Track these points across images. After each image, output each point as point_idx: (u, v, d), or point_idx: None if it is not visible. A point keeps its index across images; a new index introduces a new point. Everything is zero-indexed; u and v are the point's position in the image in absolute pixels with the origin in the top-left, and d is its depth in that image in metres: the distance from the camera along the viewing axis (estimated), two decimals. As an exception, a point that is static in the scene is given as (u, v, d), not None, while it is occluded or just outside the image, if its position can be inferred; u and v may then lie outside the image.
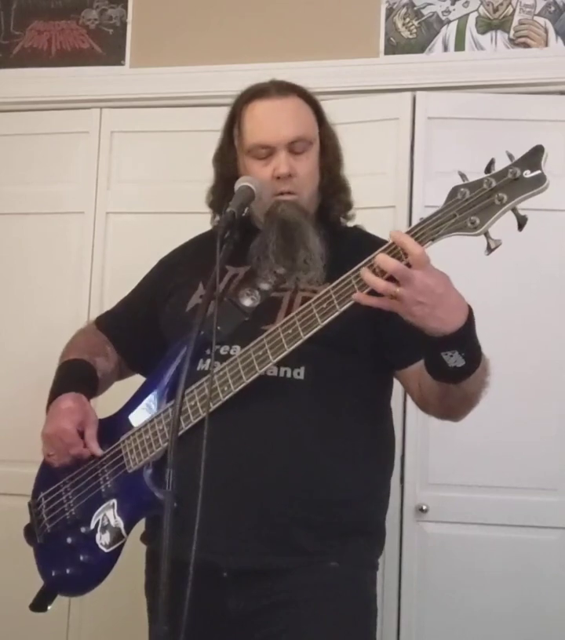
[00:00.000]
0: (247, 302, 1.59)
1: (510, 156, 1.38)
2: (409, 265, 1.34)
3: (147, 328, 1.74)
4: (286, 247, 1.60)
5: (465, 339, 1.40)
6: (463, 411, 1.61)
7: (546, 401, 2.56)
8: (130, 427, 1.61)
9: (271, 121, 1.64)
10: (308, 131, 1.67)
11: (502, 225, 1.39)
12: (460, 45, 2.75)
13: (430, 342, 1.41)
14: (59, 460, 1.62)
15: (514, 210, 1.37)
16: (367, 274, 1.35)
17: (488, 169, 1.39)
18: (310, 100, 1.71)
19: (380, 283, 1.34)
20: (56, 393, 1.67)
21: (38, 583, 1.70)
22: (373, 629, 1.60)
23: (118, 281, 2.82)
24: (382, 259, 1.34)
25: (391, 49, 2.79)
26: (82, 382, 1.69)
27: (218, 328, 1.45)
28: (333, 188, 1.70)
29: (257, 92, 1.68)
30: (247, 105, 1.68)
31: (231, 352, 1.53)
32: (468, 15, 2.76)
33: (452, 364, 1.42)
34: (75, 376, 1.71)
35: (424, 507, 2.57)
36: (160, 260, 1.86)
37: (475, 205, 1.38)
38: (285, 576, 1.51)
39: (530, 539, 2.52)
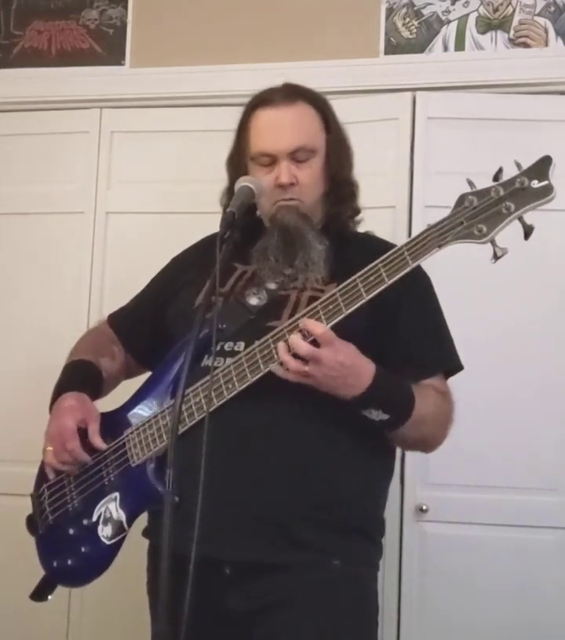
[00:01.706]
0: (253, 300, 1.61)
1: (518, 165, 1.40)
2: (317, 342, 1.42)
3: (156, 325, 1.75)
4: (285, 251, 1.61)
5: (378, 397, 1.48)
6: (421, 449, 1.70)
7: (546, 402, 2.56)
8: (135, 421, 1.62)
9: (273, 131, 1.66)
10: (312, 140, 1.67)
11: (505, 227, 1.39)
12: (460, 45, 2.75)
13: (347, 402, 1.47)
14: (56, 457, 1.62)
15: (520, 219, 1.39)
16: (282, 354, 1.44)
17: (496, 178, 1.41)
18: (318, 105, 1.71)
19: (290, 362, 1.43)
20: (59, 393, 1.69)
21: (39, 576, 1.70)
22: (375, 628, 1.61)
23: (118, 281, 2.83)
24: (294, 342, 1.42)
25: (391, 49, 2.79)
26: (85, 382, 1.70)
27: (223, 325, 1.48)
28: (338, 195, 1.70)
29: (263, 100, 1.70)
30: (253, 112, 1.70)
31: (236, 348, 1.55)
32: (468, 15, 2.76)
33: (376, 418, 1.50)
34: (79, 377, 1.72)
35: (424, 507, 2.57)
36: (172, 258, 1.88)
37: (482, 213, 1.40)
38: (285, 574, 1.51)
39: (530, 539, 2.52)
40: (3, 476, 2.79)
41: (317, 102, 1.72)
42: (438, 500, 2.57)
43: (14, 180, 2.99)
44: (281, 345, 1.45)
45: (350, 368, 1.44)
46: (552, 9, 2.71)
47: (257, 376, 1.48)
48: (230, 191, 1.74)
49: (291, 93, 1.69)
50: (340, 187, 1.70)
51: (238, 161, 1.72)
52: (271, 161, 1.65)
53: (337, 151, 1.71)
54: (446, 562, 2.55)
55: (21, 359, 2.88)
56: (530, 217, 1.39)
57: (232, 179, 1.73)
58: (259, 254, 1.64)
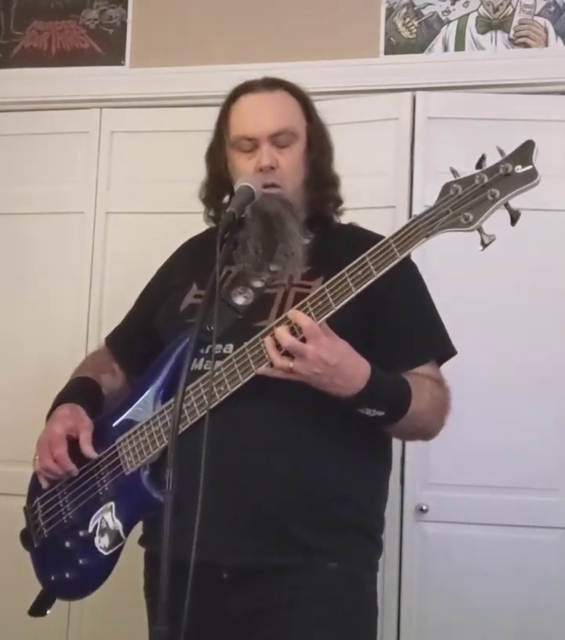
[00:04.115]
0: (240, 300, 1.59)
1: (501, 151, 1.39)
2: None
3: (149, 338, 1.73)
4: (266, 239, 1.60)
5: (372, 398, 1.47)
6: (419, 438, 1.69)
7: (546, 401, 2.56)
8: (125, 428, 1.60)
9: (254, 114, 1.66)
10: (292, 124, 1.67)
11: (500, 225, 1.39)
12: (460, 45, 2.75)
13: (341, 400, 1.46)
14: (42, 464, 1.60)
15: (507, 205, 1.39)
16: (269, 348, 1.42)
17: (479, 165, 1.40)
18: (298, 95, 1.72)
19: (275, 359, 1.41)
20: (56, 405, 1.67)
21: (38, 582, 1.69)
22: (374, 629, 1.60)
23: (117, 281, 2.83)
24: (279, 333, 1.41)
25: (391, 49, 2.79)
26: (82, 395, 1.69)
27: (210, 327, 1.44)
28: (319, 183, 1.70)
29: (244, 88, 1.70)
30: (234, 101, 1.70)
31: (224, 351, 1.52)
32: (468, 15, 2.76)
33: (371, 414, 1.49)
34: (76, 390, 1.71)
35: (424, 507, 2.57)
36: (157, 270, 1.86)
37: (468, 200, 1.39)
38: (284, 576, 1.51)
39: (530, 539, 2.52)
40: (3, 476, 2.78)
41: (297, 92, 1.72)
42: (438, 499, 2.57)
43: (14, 180, 2.99)
44: (268, 340, 1.43)
45: (335, 367, 1.41)
46: (552, 9, 2.71)
47: (249, 377, 1.47)
48: (209, 184, 1.74)
49: (271, 82, 1.71)
50: (321, 175, 1.70)
51: (219, 152, 1.72)
52: (252, 145, 1.64)
53: (317, 140, 1.71)
54: (446, 562, 2.55)
55: (21, 359, 2.88)
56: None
57: (212, 171, 1.74)
58: (240, 246, 1.61)
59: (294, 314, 1.42)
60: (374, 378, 1.46)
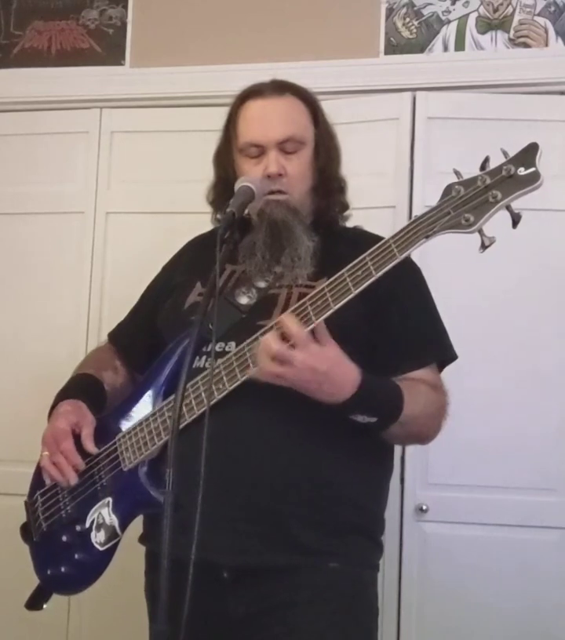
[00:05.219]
0: (243, 300, 1.60)
1: (504, 153, 1.39)
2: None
3: (152, 335, 1.73)
4: (273, 246, 1.60)
5: (362, 405, 1.45)
6: (414, 443, 1.72)
7: (546, 402, 2.56)
8: (127, 425, 1.61)
9: (262, 121, 1.66)
10: (300, 131, 1.67)
11: (502, 225, 1.39)
12: (460, 45, 2.75)
13: (331, 406, 1.45)
14: (50, 459, 1.60)
15: (508, 207, 1.38)
16: (259, 354, 1.40)
17: (483, 167, 1.40)
18: (307, 99, 1.71)
19: (264, 364, 1.39)
20: (57, 402, 1.68)
21: (37, 582, 1.70)
22: (375, 630, 1.60)
23: (118, 281, 2.83)
24: (267, 341, 1.39)
25: (391, 49, 2.79)
26: (84, 391, 1.69)
27: (211, 325, 1.44)
28: (327, 189, 1.70)
29: (252, 92, 1.70)
30: (242, 105, 1.70)
31: (227, 349, 1.53)
32: (468, 15, 2.76)
33: (362, 421, 1.48)
34: (78, 387, 1.71)
35: (424, 507, 2.57)
36: (163, 266, 1.87)
37: (469, 202, 1.39)
38: (285, 577, 1.51)
39: (530, 539, 2.52)
40: (3, 476, 2.79)
41: (305, 96, 1.72)
42: (438, 499, 2.57)
43: (14, 180, 2.99)
44: (256, 345, 1.43)
45: (323, 374, 1.40)
46: (552, 9, 2.71)
47: (246, 376, 1.46)
48: (217, 187, 1.74)
49: (280, 86, 1.70)
50: (328, 181, 1.70)
51: (226, 155, 1.72)
52: (260, 152, 1.64)
53: (325, 145, 1.71)
54: (446, 562, 2.55)
55: (21, 359, 2.88)
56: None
57: (219, 174, 1.74)
58: (246, 250, 1.62)
59: (283, 320, 1.40)
60: (364, 385, 1.44)
